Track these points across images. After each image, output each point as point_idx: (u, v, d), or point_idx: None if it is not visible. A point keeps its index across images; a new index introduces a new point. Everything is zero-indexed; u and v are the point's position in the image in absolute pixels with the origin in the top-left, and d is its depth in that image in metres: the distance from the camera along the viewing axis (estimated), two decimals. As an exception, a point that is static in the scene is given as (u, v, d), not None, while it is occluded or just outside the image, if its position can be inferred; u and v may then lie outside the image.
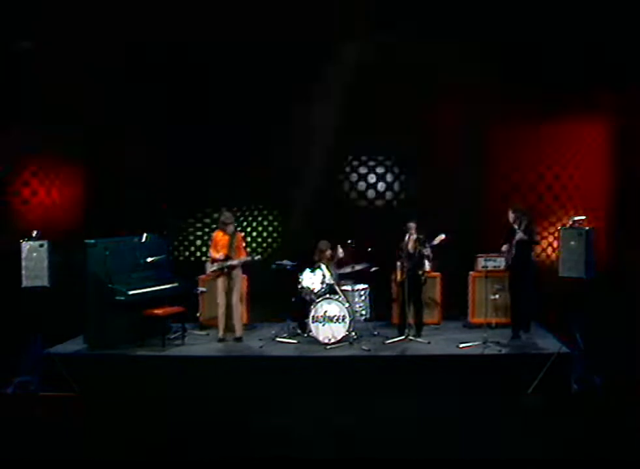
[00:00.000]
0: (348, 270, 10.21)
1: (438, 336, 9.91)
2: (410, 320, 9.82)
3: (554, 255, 10.99)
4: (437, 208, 10.99)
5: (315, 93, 11.19)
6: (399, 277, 9.91)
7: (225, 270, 9.80)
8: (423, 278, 9.96)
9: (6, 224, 10.35)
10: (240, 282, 10.04)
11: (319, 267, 9.99)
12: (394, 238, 10.02)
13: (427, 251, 9.73)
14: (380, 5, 10.53)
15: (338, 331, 9.47)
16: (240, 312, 9.95)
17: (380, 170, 12.18)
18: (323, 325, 9.50)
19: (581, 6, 10.09)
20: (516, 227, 9.52)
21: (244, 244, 9.95)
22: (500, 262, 10.20)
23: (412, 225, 9.88)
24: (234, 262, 9.76)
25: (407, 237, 9.92)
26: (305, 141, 11.39)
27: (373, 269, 10.22)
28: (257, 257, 10.04)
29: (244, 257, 9.85)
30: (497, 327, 9.68)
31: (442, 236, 9.67)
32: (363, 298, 10.37)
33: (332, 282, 9.91)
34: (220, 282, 9.88)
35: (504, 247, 9.63)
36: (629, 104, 10.52)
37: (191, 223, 12.15)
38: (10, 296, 9.56)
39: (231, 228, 9.82)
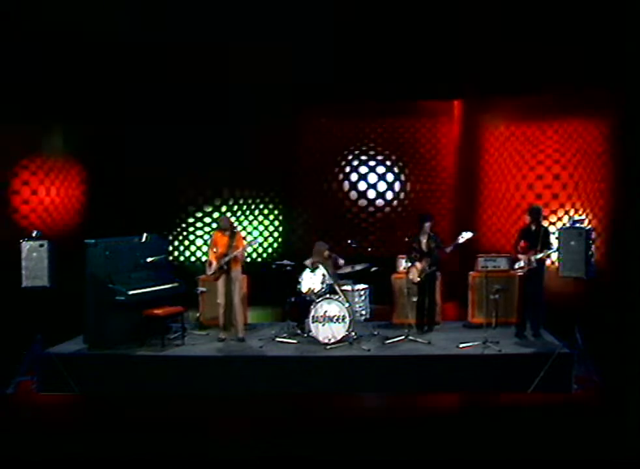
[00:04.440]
0: (348, 269, 10.21)
1: (439, 336, 9.91)
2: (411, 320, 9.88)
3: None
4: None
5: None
6: (416, 276, 9.96)
7: (225, 267, 9.79)
8: (437, 274, 10.12)
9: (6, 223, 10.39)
10: (241, 282, 10.04)
11: (318, 267, 10.00)
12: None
13: (448, 249, 9.78)
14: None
15: (338, 331, 9.47)
16: (241, 313, 9.96)
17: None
18: (323, 325, 9.50)
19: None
20: (533, 228, 9.52)
21: (243, 243, 9.91)
22: (502, 262, 10.24)
23: (427, 224, 9.97)
24: (232, 254, 9.73)
25: (420, 236, 10.02)
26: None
27: (373, 269, 10.22)
28: (257, 239, 9.87)
29: (241, 248, 9.78)
30: (497, 327, 9.66)
31: (470, 234, 9.69)
32: (363, 298, 10.38)
33: (332, 282, 9.92)
34: (221, 282, 9.89)
35: (520, 249, 9.53)
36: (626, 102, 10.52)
37: (191, 223, 12.15)
38: (10, 296, 9.57)
39: (229, 229, 9.81)
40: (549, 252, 9.27)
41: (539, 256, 9.35)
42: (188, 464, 7.02)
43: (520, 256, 9.56)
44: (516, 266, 9.65)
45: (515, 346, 9.35)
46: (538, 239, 9.42)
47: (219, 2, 10.01)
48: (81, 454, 7.17)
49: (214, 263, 9.82)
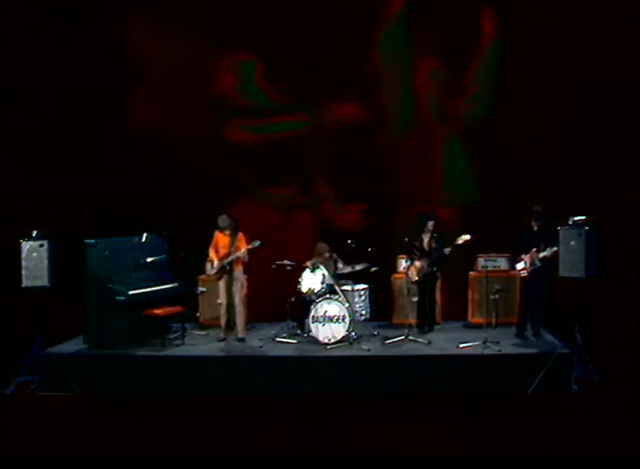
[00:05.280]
0: (348, 269, 10.21)
1: (438, 336, 9.91)
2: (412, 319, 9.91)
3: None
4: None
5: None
6: (415, 275, 9.97)
7: (227, 267, 9.80)
8: (437, 274, 10.15)
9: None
10: (242, 281, 10.04)
11: (319, 267, 10.00)
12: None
13: (447, 250, 9.79)
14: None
15: (338, 331, 9.47)
16: (242, 313, 9.96)
17: None
18: (323, 325, 9.50)
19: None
20: (535, 228, 9.51)
21: (245, 244, 9.90)
22: (502, 262, 10.27)
23: (430, 222, 9.98)
24: (234, 256, 9.75)
25: (423, 235, 10.04)
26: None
27: (373, 269, 10.22)
28: (257, 244, 9.84)
29: (243, 248, 9.78)
30: (497, 327, 9.65)
31: (467, 237, 9.70)
32: (363, 298, 10.37)
33: (332, 282, 9.92)
34: (222, 282, 9.90)
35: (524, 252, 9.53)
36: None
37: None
38: (10, 296, 9.56)
39: (229, 229, 9.83)
40: (553, 249, 9.18)
41: (542, 254, 9.34)
42: (188, 464, 7.02)
43: (523, 256, 9.54)
44: (518, 267, 9.64)
45: (515, 346, 9.35)
46: (540, 239, 9.41)
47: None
48: (81, 454, 7.17)
49: (216, 263, 9.85)
